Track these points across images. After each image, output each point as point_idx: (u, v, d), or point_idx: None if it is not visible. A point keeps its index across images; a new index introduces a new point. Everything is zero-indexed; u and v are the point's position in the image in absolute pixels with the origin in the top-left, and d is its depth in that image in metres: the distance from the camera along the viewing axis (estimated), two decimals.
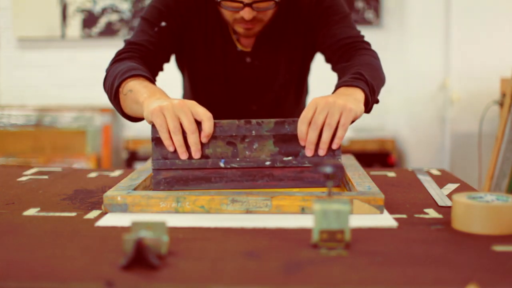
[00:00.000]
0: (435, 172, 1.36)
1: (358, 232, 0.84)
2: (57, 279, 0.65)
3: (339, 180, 1.05)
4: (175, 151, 1.02)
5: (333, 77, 1.40)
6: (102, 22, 3.70)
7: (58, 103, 3.77)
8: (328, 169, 0.80)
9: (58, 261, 0.71)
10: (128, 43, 1.31)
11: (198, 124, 1.02)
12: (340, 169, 0.82)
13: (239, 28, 1.32)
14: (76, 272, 0.67)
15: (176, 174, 1.03)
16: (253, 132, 1.03)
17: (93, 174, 1.33)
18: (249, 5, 1.23)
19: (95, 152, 3.59)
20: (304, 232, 0.83)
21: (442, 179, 1.26)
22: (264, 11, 1.28)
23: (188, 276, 0.66)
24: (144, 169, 1.19)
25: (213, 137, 1.03)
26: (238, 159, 1.03)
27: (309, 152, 1.02)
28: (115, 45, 3.76)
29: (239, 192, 0.97)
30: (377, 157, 3.40)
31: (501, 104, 2.63)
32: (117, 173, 1.36)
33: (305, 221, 0.89)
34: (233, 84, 1.46)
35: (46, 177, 1.29)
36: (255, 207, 0.94)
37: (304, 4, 1.37)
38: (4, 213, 0.96)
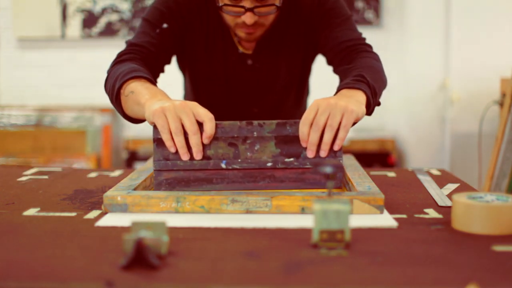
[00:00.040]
0: (435, 172, 1.36)
1: (358, 232, 0.84)
2: (57, 279, 0.65)
3: (340, 182, 1.04)
4: (177, 152, 1.02)
5: (334, 78, 1.40)
6: (102, 22, 3.70)
7: (58, 103, 3.77)
8: (328, 169, 0.80)
9: (58, 261, 0.71)
10: (129, 44, 1.31)
11: (200, 125, 1.02)
12: (340, 169, 0.82)
13: (241, 33, 1.32)
14: (76, 272, 0.67)
15: (178, 175, 1.03)
16: (255, 133, 1.03)
17: (93, 174, 1.33)
18: (250, 9, 1.23)
19: (95, 152, 3.59)
20: (304, 232, 0.83)
21: (442, 179, 1.26)
22: (266, 16, 1.28)
23: (188, 276, 0.66)
24: (144, 169, 1.19)
25: (215, 138, 1.03)
26: (239, 160, 1.03)
27: (310, 154, 1.02)
28: (115, 45, 3.78)
29: (239, 192, 0.97)
30: (377, 157, 3.40)
31: (501, 104, 2.63)
32: (117, 173, 1.36)
33: (305, 221, 0.89)
34: (234, 86, 1.46)
35: (46, 177, 1.29)
36: (255, 207, 0.94)
37: (306, 7, 1.37)
38: (4, 213, 0.96)
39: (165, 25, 1.33)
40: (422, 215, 0.94)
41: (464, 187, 1.18)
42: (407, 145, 3.68)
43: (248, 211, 0.94)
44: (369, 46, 1.34)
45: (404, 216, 0.94)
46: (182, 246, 0.77)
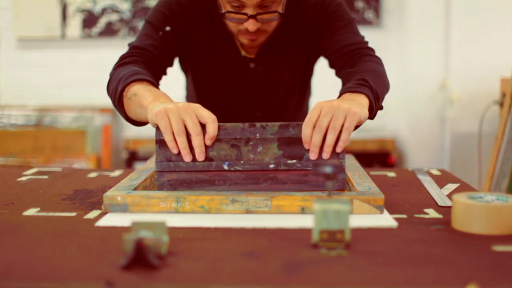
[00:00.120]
0: (435, 172, 1.36)
1: (358, 232, 0.84)
2: (57, 279, 0.65)
3: (343, 184, 1.04)
4: (179, 153, 1.02)
5: (336, 78, 1.40)
6: (102, 22, 3.70)
7: (58, 103, 3.77)
8: (328, 169, 0.80)
9: (58, 261, 0.71)
10: (132, 47, 1.31)
11: (203, 126, 1.02)
12: (340, 169, 0.82)
13: (244, 39, 1.32)
14: (76, 272, 0.67)
15: (180, 177, 1.03)
16: (257, 135, 1.03)
17: (93, 174, 1.33)
18: (253, 16, 1.23)
19: (95, 152, 3.59)
20: (304, 232, 0.83)
21: (442, 179, 1.26)
22: (268, 23, 1.28)
23: (188, 276, 0.66)
24: (144, 169, 1.19)
25: (217, 139, 1.03)
26: (242, 162, 1.03)
27: (313, 155, 1.02)
28: (115, 45, 3.79)
29: (239, 192, 0.97)
30: (377, 157, 3.40)
31: (501, 104, 2.63)
32: (117, 173, 1.36)
33: (305, 221, 0.89)
34: (236, 89, 1.46)
35: (46, 177, 1.29)
36: (255, 207, 0.94)
37: (308, 10, 1.37)
38: (4, 213, 0.96)
39: (168, 28, 1.33)
40: (422, 215, 0.94)
41: (464, 187, 1.18)
42: (407, 145, 3.68)
43: (248, 211, 0.94)
44: (372, 50, 1.34)
45: (404, 216, 0.94)
46: (182, 246, 0.77)
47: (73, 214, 0.96)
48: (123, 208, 0.96)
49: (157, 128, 1.03)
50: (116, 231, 0.84)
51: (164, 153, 1.03)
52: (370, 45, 1.35)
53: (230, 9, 1.24)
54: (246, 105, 1.49)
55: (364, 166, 1.30)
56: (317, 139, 1.01)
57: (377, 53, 1.35)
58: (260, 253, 0.74)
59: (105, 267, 0.69)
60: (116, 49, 3.74)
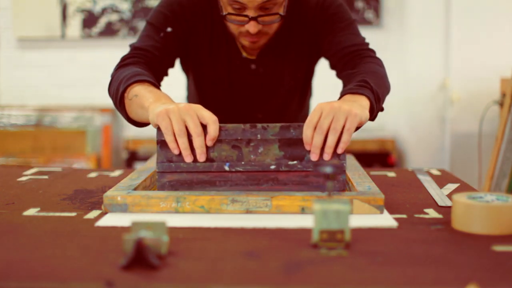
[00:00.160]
0: (435, 172, 1.36)
1: (358, 232, 0.84)
2: (57, 279, 0.65)
3: (344, 185, 1.04)
4: (180, 154, 1.02)
5: (336, 78, 1.40)
6: (102, 22, 3.70)
7: (58, 103, 3.77)
8: (328, 169, 0.80)
9: (58, 261, 0.71)
10: (133, 48, 1.31)
11: (204, 127, 1.02)
12: (340, 169, 0.82)
13: (245, 41, 1.32)
14: (76, 272, 0.67)
15: (181, 178, 1.03)
16: (259, 136, 1.03)
17: (93, 174, 1.33)
18: (254, 18, 1.23)
19: (95, 152, 3.59)
20: (304, 232, 0.83)
21: (442, 179, 1.26)
22: (270, 25, 1.28)
23: (188, 276, 0.66)
24: (144, 169, 1.19)
25: (218, 140, 1.03)
26: (243, 162, 1.03)
27: (314, 157, 1.02)
28: (115, 45, 3.79)
29: (239, 192, 0.97)
30: (377, 157, 3.40)
31: (501, 104, 2.63)
32: (117, 173, 1.36)
33: (305, 221, 0.89)
34: (238, 90, 1.46)
35: (46, 177, 1.29)
36: (255, 207, 0.94)
37: (309, 11, 1.37)
38: (4, 213, 0.96)
39: (169, 29, 1.33)
40: (422, 215, 0.94)
41: (464, 187, 1.18)
42: (407, 145, 3.68)
43: (248, 211, 0.94)
44: (373, 51, 1.34)
45: (404, 216, 0.94)
46: (182, 246, 0.77)
47: (73, 214, 0.96)
48: (123, 208, 0.96)
49: (158, 129, 1.03)
50: (116, 231, 0.84)
51: (165, 153, 1.03)
52: (370, 46, 1.35)
53: (231, 11, 1.24)
54: (247, 107, 1.49)
55: (364, 166, 1.30)
56: (318, 140, 1.01)
57: (377, 53, 1.34)
58: (260, 253, 0.74)
59: (105, 267, 0.69)
60: (116, 49, 3.76)
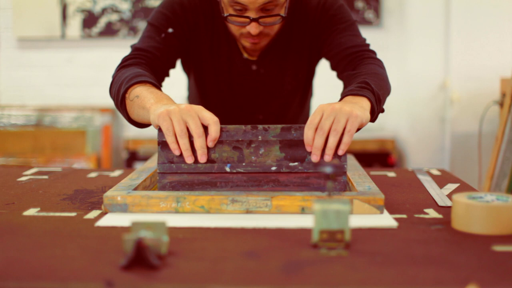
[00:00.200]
0: (435, 172, 1.36)
1: (358, 232, 0.84)
2: (57, 279, 0.65)
3: (345, 186, 1.04)
4: (181, 155, 1.02)
5: (336, 78, 1.40)
6: (102, 22, 3.70)
7: (58, 103, 3.77)
8: (328, 169, 0.80)
9: (58, 261, 0.71)
10: (134, 49, 1.30)
11: (205, 128, 1.02)
12: (340, 169, 0.81)
13: (246, 43, 1.32)
14: (76, 272, 0.67)
15: (182, 179, 1.03)
16: (260, 137, 1.03)
17: (93, 174, 1.33)
18: (255, 20, 1.23)
19: (95, 152, 3.59)
20: (304, 232, 0.83)
21: (442, 179, 1.26)
22: (271, 26, 1.28)
23: (188, 276, 0.66)
24: (144, 169, 1.19)
25: (219, 141, 1.03)
26: (244, 164, 1.03)
27: (315, 158, 1.02)
28: (115, 45, 3.78)
29: (239, 192, 0.97)
30: (377, 157, 3.40)
31: (501, 104, 2.63)
32: (117, 173, 1.36)
33: (305, 221, 0.89)
34: (238, 91, 1.46)
35: (46, 177, 1.29)
36: (255, 207, 0.94)
37: (310, 12, 1.37)
38: (4, 213, 0.96)
39: (170, 30, 1.33)
40: (422, 215, 0.94)
41: (464, 187, 1.18)
42: (407, 145, 3.68)
43: (248, 211, 0.94)
44: (373, 52, 1.34)
45: (404, 216, 0.94)
46: (182, 246, 0.77)
47: (73, 214, 0.96)
48: (123, 208, 0.96)
49: (159, 130, 1.03)
50: (116, 231, 0.84)
51: (166, 154, 1.03)
52: (371, 46, 1.35)
53: (232, 12, 1.24)
54: (248, 107, 1.49)
55: (364, 166, 1.30)
56: (319, 141, 1.01)
57: (378, 53, 1.35)
58: (260, 253, 0.74)
59: (105, 267, 0.69)
60: (116, 49, 3.76)
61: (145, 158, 3.42)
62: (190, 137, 1.01)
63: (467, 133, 3.51)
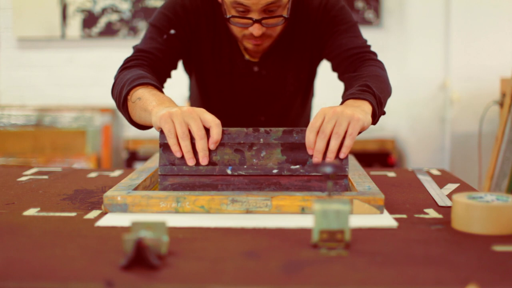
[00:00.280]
0: (435, 172, 1.36)
1: (358, 232, 0.84)
2: (57, 279, 0.65)
3: (346, 190, 1.04)
4: (183, 157, 1.02)
5: (335, 77, 1.40)
6: (102, 22, 3.70)
7: (58, 103, 3.77)
8: (328, 169, 0.80)
9: (58, 261, 0.71)
10: (136, 50, 1.30)
11: (207, 131, 1.02)
12: (340, 169, 0.82)
13: (248, 44, 1.31)
14: (76, 272, 0.67)
15: (183, 181, 1.03)
16: (261, 140, 1.03)
17: (93, 174, 1.33)
18: (258, 21, 1.23)
19: (95, 152, 3.59)
20: (304, 232, 0.83)
21: (442, 179, 1.26)
22: (274, 27, 1.28)
23: (188, 276, 0.66)
24: (144, 169, 1.19)
25: (221, 144, 1.03)
26: (245, 166, 1.03)
27: (316, 161, 1.02)
28: (115, 45, 3.78)
29: (239, 192, 0.97)
30: (377, 157, 3.40)
31: (501, 104, 2.63)
32: (117, 173, 1.36)
33: (305, 221, 0.89)
34: (240, 93, 1.46)
35: (46, 177, 1.29)
36: (255, 207, 0.94)
37: (311, 13, 1.37)
38: (4, 213, 0.96)
39: (172, 31, 1.32)
40: (422, 215, 0.94)
41: (464, 187, 1.18)
42: (407, 145, 3.68)
43: (248, 211, 0.94)
44: (374, 54, 1.34)
45: (404, 216, 0.94)
46: (182, 246, 0.77)
47: (73, 214, 0.96)
48: (123, 208, 0.96)
49: (161, 132, 1.03)
50: (116, 231, 0.84)
51: (167, 156, 1.03)
52: (371, 47, 1.35)
53: (235, 14, 1.24)
54: (250, 109, 1.49)
55: (364, 166, 1.30)
56: (320, 144, 1.01)
57: (378, 53, 1.35)
58: (260, 253, 0.74)
59: (105, 267, 0.69)
60: (116, 49, 3.76)
61: (145, 158, 3.42)
62: (192, 139, 1.01)
63: (467, 133, 3.51)
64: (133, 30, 3.67)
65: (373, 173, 1.34)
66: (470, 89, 3.53)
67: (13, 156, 3.57)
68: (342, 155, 1.02)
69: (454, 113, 3.57)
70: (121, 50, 1.35)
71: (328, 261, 0.71)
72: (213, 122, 1.01)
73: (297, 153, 1.03)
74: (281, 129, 1.03)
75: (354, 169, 1.20)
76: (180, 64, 1.47)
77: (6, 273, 0.67)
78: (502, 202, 0.85)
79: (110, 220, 0.91)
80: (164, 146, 1.02)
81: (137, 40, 1.35)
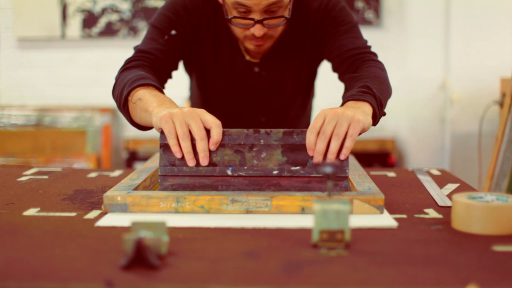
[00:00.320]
0: (435, 172, 1.36)
1: (358, 232, 0.84)
2: (57, 279, 0.65)
3: (346, 191, 1.04)
4: (183, 157, 1.02)
5: (335, 77, 1.40)
6: (102, 22, 3.70)
7: (58, 103, 3.77)
8: (328, 169, 0.80)
9: (58, 261, 0.71)
10: (137, 50, 1.30)
11: (207, 132, 1.02)
12: (340, 169, 0.81)
13: (250, 45, 1.31)
14: (76, 272, 0.67)
15: (183, 181, 1.02)
16: (262, 141, 1.03)
17: (93, 174, 1.33)
18: (260, 22, 1.23)
19: (95, 152, 3.59)
20: (304, 232, 0.83)
21: (442, 179, 1.26)
22: (275, 28, 1.28)
23: (188, 276, 0.66)
24: (144, 169, 1.19)
25: (221, 145, 1.03)
26: (245, 167, 1.03)
27: (316, 162, 1.02)
28: (115, 45, 3.78)
29: (239, 192, 0.97)
30: (377, 157, 3.40)
31: (501, 104, 2.63)
32: (117, 173, 1.36)
33: (305, 221, 0.89)
34: (240, 93, 1.46)
35: (46, 177, 1.29)
36: (255, 207, 0.94)
37: (312, 14, 1.37)
38: (4, 213, 0.96)
39: (173, 32, 1.32)
40: (422, 215, 0.94)
41: (464, 187, 1.18)
42: (407, 145, 3.68)
43: (248, 211, 0.94)
44: (374, 55, 1.34)
45: (404, 216, 0.94)
46: (182, 246, 0.77)
47: (73, 214, 0.96)
48: (123, 208, 0.96)
49: (162, 133, 1.03)
50: (116, 231, 0.84)
51: (167, 157, 1.03)
52: (372, 48, 1.35)
53: (236, 14, 1.24)
54: (250, 109, 1.49)
55: (364, 166, 1.30)
56: (321, 146, 1.01)
57: (378, 53, 1.35)
58: (260, 253, 0.74)
59: (105, 267, 0.69)
60: (116, 49, 3.76)
61: (145, 158, 3.42)
62: (192, 140, 1.01)
63: (467, 133, 3.51)
64: (133, 30, 3.67)
65: (373, 173, 1.34)
66: (470, 89, 3.53)
67: (13, 156, 3.57)
68: (342, 156, 1.02)
69: (454, 113, 3.57)
70: (121, 50, 1.35)
71: (328, 261, 0.71)
72: (214, 123, 1.01)
73: (297, 154, 1.03)
74: (282, 130, 1.03)
75: (354, 169, 1.20)
76: (180, 65, 1.47)
77: (6, 273, 0.67)
78: (502, 202, 0.85)
79: (110, 220, 0.91)
80: (165, 147, 1.02)
81: (137, 40, 1.35)
